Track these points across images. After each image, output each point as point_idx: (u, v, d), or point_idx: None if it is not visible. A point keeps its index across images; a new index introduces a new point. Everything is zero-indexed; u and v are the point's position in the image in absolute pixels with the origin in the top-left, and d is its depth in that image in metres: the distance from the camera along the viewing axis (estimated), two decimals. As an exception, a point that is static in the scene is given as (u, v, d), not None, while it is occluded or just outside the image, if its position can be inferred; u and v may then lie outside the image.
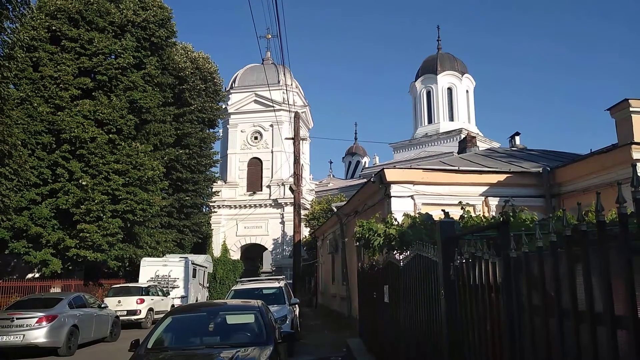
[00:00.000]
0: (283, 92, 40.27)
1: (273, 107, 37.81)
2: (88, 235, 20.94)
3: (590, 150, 11.17)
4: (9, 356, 11.41)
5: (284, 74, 39.56)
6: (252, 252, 42.61)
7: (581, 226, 2.05)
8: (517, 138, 18.00)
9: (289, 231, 36.59)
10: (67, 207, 21.35)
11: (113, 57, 23.79)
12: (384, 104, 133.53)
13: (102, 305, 14.78)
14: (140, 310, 18.18)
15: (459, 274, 3.69)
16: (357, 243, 8.22)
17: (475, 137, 21.34)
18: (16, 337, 11.26)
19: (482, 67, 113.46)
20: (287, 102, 38.20)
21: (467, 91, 45.93)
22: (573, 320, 2.11)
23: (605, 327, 1.89)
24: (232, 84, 44.48)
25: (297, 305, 14.75)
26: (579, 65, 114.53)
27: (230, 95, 43.03)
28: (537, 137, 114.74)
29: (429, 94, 45.82)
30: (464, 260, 3.58)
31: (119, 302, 17.96)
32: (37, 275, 22.53)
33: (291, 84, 41.65)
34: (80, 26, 23.29)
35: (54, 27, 22.76)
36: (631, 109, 9.90)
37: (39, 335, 11.35)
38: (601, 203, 1.97)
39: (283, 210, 40.48)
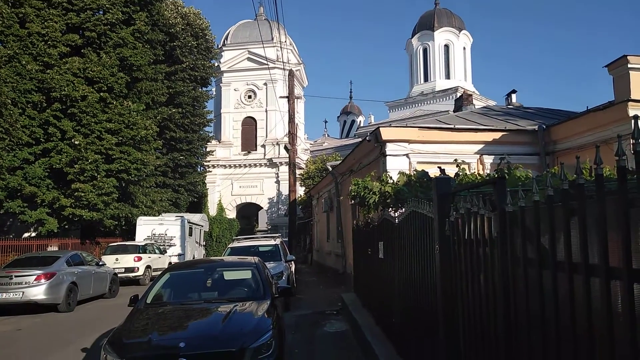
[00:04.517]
0: (277, 50, 39.44)
1: (267, 64, 37.12)
2: (83, 194, 20.94)
3: (587, 107, 11.12)
4: (11, 312, 11.62)
5: (278, 31, 38.65)
6: (248, 211, 42.91)
7: (579, 180, 2.05)
8: (514, 96, 17.90)
9: (284, 190, 36.76)
10: (61, 166, 21.23)
11: (101, 12, 23.08)
12: (379, 62, 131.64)
13: (100, 263, 14.95)
14: (138, 268, 18.44)
15: (454, 229, 3.73)
16: (353, 201, 8.27)
17: (471, 95, 21.15)
18: (16, 294, 11.44)
19: (479, 23, 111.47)
20: (281, 60, 37.46)
21: (464, 48, 45.23)
22: (567, 272, 2.14)
23: (599, 278, 1.93)
24: (224, 41, 43.49)
25: (292, 262, 15.00)
26: (578, 20, 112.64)
27: (222, 53, 42.16)
28: (534, 95, 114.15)
29: (425, 51, 45.10)
30: (459, 216, 3.61)
31: (117, 259, 18.19)
32: (33, 234, 22.65)
33: (285, 41, 40.75)
34: (66, -21, 22.45)
35: (39, -19, 21.93)
36: (629, 66, 9.80)
37: (38, 292, 11.53)
38: (600, 157, 1.97)
39: (278, 170, 40.50)
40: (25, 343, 8.84)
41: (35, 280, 11.60)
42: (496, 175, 4.12)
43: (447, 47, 44.53)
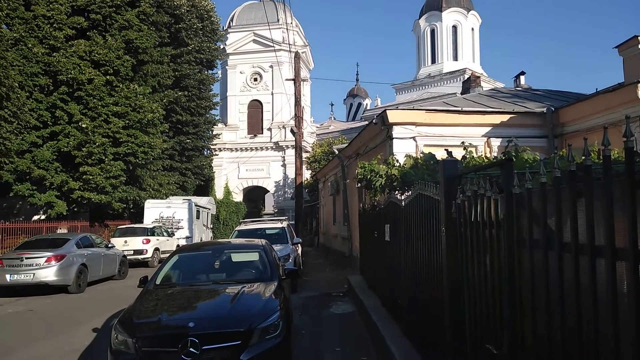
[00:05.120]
0: (283, 31, 39.08)
1: (273, 47, 36.82)
2: (91, 177, 21.10)
3: (596, 89, 10.99)
4: (22, 293, 11.83)
5: (284, 12, 38.24)
6: (255, 194, 43.07)
7: (587, 161, 2.05)
8: (522, 78, 17.73)
9: (291, 174, 36.79)
10: (69, 149, 21.37)
11: (106, -6, 22.97)
12: (386, 44, 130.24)
13: (109, 245, 15.12)
14: (146, 250, 18.65)
15: (460, 211, 3.74)
16: (359, 184, 8.27)
17: (479, 78, 20.92)
18: (27, 276, 11.63)
19: (487, 3, 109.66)
20: (287, 42, 37.11)
21: (472, 29, 44.59)
22: (573, 253, 2.16)
23: (605, 259, 1.94)
24: (229, 23, 43.14)
25: (299, 245, 15.11)
26: (587, 3, 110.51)
27: (228, 35, 41.84)
28: (543, 77, 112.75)
29: (433, 32, 44.53)
30: (465, 199, 3.61)
31: (126, 242, 18.39)
32: (43, 217, 22.91)
33: (291, 23, 40.33)
34: (70, -39, 22.30)
35: (43, -37, 21.78)
36: (641, 47, 9.66)
37: (48, 274, 11.71)
38: (608, 138, 1.96)
39: (284, 153, 40.49)
40: (36, 323, 9.02)
41: (45, 262, 11.77)
42: (503, 158, 4.11)
43: (455, 28, 43.93)
